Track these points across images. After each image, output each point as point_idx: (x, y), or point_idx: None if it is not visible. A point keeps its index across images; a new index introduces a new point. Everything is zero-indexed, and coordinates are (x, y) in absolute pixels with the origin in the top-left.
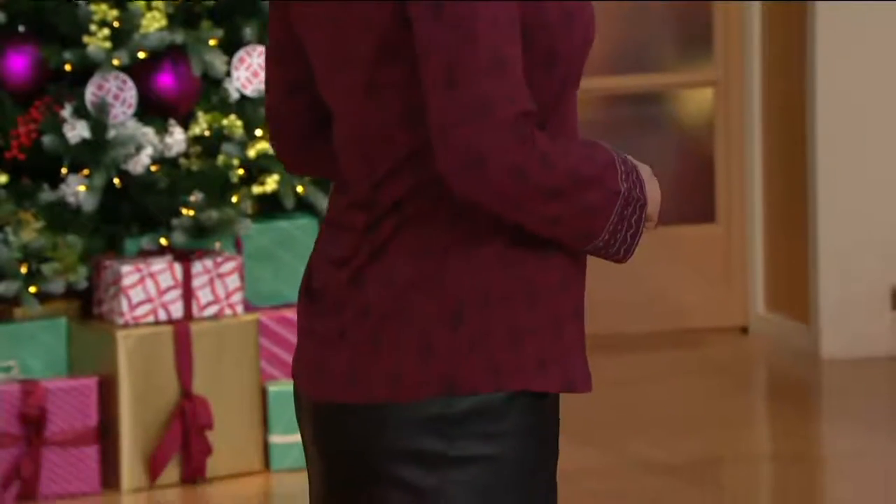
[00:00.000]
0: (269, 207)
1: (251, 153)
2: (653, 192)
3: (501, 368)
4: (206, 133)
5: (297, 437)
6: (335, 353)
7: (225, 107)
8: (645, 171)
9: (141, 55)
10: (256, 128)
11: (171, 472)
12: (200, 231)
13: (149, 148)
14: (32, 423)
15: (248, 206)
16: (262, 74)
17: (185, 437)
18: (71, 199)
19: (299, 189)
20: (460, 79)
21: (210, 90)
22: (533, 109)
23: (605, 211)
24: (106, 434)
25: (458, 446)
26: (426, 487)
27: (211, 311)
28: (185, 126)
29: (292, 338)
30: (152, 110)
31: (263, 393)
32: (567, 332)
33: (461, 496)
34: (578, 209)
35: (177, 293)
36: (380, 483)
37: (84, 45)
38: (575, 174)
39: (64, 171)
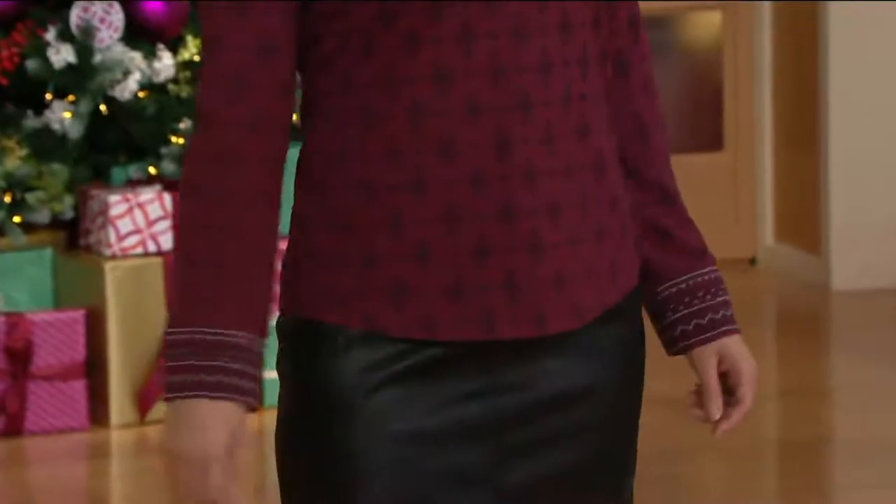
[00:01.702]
0: None
1: None
2: (192, 444)
3: (299, 294)
4: (196, 58)
5: None
6: None
7: None
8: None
9: None
10: None
11: (162, 407)
12: None
13: (136, 73)
14: (18, 357)
15: None
16: None
17: None
18: (56, 127)
19: None
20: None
21: (199, 13)
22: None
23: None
24: (94, 368)
25: (280, 365)
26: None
27: None
28: (174, 50)
29: None
30: (140, 34)
31: None
32: (383, 271)
33: (280, 413)
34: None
35: (166, 224)
36: None
37: None
38: (194, 181)
39: (48, 97)
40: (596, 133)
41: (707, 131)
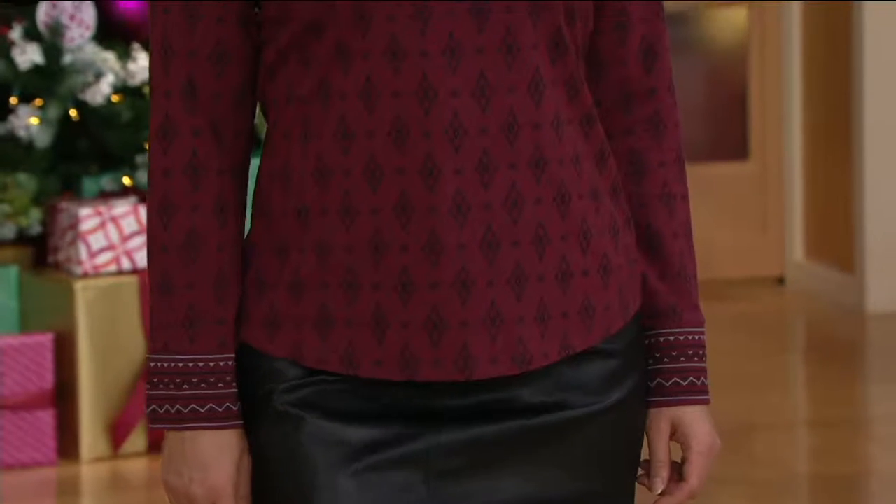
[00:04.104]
0: None
1: None
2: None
3: (244, 316)
4: None
5: None
6: None
7: None
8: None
9: None
10: None
11: (137, 440)
12: None
13: (109, 75)
14: None
15: None
16: None
17: None
18: (22, 134)
19: None
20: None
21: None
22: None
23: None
24: (63, 397)
25: None
26: None
27: None
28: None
29: None
30: (113, 33)
31: None
32: (309, 299)
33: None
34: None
35: (142, 239)
36: None
37: None
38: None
39: (13, 101)
40: (556, 164)
41: (731, 138)
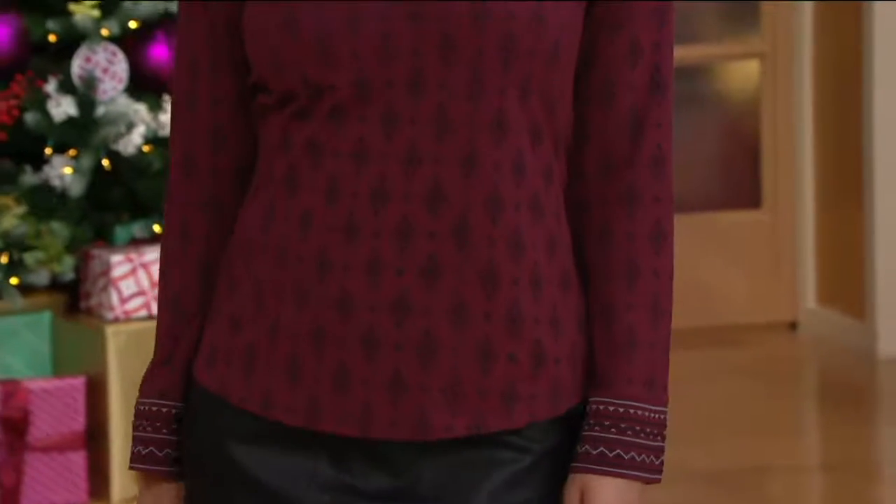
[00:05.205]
0: None
1: None
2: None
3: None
4: None
5: None
6: None
7: None
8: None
9: (132, 25)
10: None
11: None
12: None
13: (141, 126)
14: (14, 428)
15: None
16: None
17: None
18: (56, 183)
19: None
20: None
21: None
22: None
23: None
24: (94, 439)
25: None
26: None
27: None
28: None
29: None
30: (145, 85)
31: None
32: (244, 335)
33: None
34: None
35: None
36: None
37: (70, 14)
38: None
39: (48, 151)
40: (485, 241)
41: (744, 187)
